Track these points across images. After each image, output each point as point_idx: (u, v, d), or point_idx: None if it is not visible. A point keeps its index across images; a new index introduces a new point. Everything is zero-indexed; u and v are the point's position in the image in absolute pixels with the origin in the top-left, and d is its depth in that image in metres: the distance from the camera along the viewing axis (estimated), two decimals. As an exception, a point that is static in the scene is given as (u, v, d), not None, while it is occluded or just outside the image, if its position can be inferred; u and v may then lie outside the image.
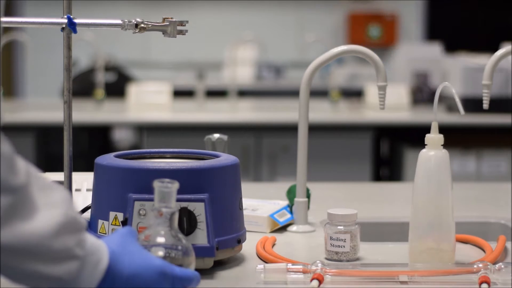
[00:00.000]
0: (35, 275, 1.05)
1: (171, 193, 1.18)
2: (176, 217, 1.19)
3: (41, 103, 5.21)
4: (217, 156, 1.46)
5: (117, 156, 1.43)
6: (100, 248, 1.10)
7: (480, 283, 1.28)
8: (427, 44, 6.03)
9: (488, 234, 1.80)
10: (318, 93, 4.81)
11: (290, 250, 1.56)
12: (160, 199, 1.18)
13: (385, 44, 6.87)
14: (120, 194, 1.34)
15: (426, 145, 1.42)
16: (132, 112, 4.40)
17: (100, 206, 1.38)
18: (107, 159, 1.40)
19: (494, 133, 4.29)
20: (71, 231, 1.07)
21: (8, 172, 1.01)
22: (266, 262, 1.42)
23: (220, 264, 1.39)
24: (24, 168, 1.04)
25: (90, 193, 1.50)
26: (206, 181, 1.35)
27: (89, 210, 1.44)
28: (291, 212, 1.73)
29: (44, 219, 1.04)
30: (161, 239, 1.17)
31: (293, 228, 1.71)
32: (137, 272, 1.12)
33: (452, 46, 5.63)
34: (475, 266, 1.31)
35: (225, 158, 1.43)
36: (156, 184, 1.17)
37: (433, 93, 4.33)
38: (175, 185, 1.18)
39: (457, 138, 4.19)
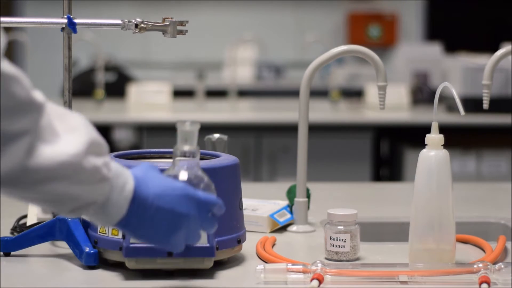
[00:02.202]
0: (70, 199, 1.07)
1: (193, 132, 1.21)
2: (198, 157, 1.22)
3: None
4: (217, 156, 1.46)
5: (117, 156, 1.44)
6: (124, 171, 1.13)
7: (480, 283, 1.28)
8: (427, 44, 6.03)
9: (488, 234, 1.80)
10: (318, 93, 4.81)
11: (290, 250, 1.56)
12: (182, 140, 1.19)
13: (385, 44, 6.87)
14: (120, 194, 1.34)
15: (426, 145, 1.42)
16: (132, 112, 4.40)
17: (100, 206, 1.38)
18: (107, 159, 1.40)
19: (494, 133, 4.28)
20: (97, 153, 1.09)
21: (32, 89, 1.03)
22: (266, 262, 1.42)
23: (220, 264, 1.39)
24: (41, 94, 1.06)
25: (90, 193, 1.49)
26: (206, 181, 1.35)
27: (89, 210, 1.44)
28: (291, 212, 1.73)
29: (70, 141, 1.06)
30: (183, 176, 1.21)
31: (293, 228, 1.71)
32: (161, 193, 1.14)
33: (452, 46, 5.63)
34: (475, 266, 1.31)
35: (225, 158, 1.43)
36: (179, 124, 1.20)
37: (433, 93, 4.33)
38: (197, 125, 1.21)
39: (457, 138, 4.19)
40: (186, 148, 1.21)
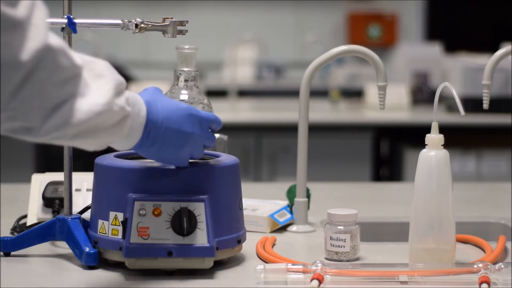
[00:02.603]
0: (102, 138, 1.18)
1: (192, 55, 1.33)
2: (197, 78, 1.35)
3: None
4: (217, 156, 1.46)
5: (117, 156, 1.44)
6: (137, 98, 1.24)
7: (480, 283, 1.28)
8: (427, 44, 6.03)
9: (488, 234, 1.80)
10: (318, 93, 4.81)
11: (290, 250, 1.56)
12: (181, 62, 1.29)
13: (385, 44, 6.87)
14: (120, 194, 1.34)
15: (426, 145, 1.42)
16: (132, 112, 4.39)
17: (100, 206, 1.38)
18: (107, 159, 1.40)
19: (494, 133, 4.29)
20: (120, 92, 1.19)
21: (72, 54, 1.12)
22: (266, 262, 1.42)
23: (220, 264, 1.39)
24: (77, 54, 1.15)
25: (90, 193, 1.50)
26: (206, 181, 1.35)
27: (89, 210, 1.44)
28: (291, 212, 1.73)
29: (100, 90, 1.15)
30: (184, 96, 1.35)
31: (293, 228, 1.71)
32: (169, 114, 1.27)
33: (452, 46, 5.63)
34: (475, 266, 1.31)
35: (225, 158, 1.43)
36: (178, 47, 1.32)
37: (433, 93, 4.33)
38: (196, 49, 1.34)
39: (457, 138, 4.19)
40: (186, 69, 1.30)
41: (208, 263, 1.34)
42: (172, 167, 1.35)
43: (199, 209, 1.32)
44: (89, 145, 1.20)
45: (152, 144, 1.27)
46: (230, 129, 4.13)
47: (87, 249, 1.37)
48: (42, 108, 1.09)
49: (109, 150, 1.31)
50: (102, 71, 1.18)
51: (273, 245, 1.57)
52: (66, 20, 1.42)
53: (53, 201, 1.63)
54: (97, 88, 1.15)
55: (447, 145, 1.42)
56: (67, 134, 1.13)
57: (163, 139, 1.27)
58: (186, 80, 1.38)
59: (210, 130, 1.35)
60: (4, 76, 1.04)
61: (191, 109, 1.30)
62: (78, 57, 1.14)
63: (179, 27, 1.43)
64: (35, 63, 1.05)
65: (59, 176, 1.66)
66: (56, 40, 1.09)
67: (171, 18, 1.43)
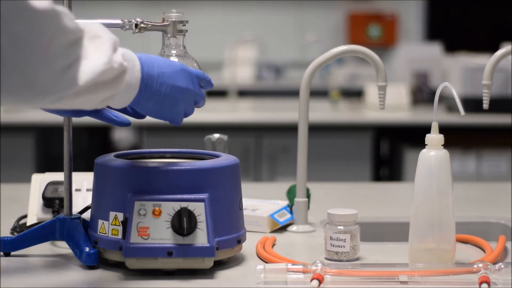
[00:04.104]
0: (102, 94, 1.20)
1: (180, 16, 1.41)
2: (184, 37, 1.43)
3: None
4: (217, 156, 1.46)
5: (117, 156, 1.44)
6: (130, 53, 1.27)
7: (480, 283, 1.28)
8: (427, 44, 6.03)
9: (488, 234, 1.80)
10: (318, 93, 4.81)
11: (290, 250, 1.56)
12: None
13: (385, 44, 6.87)
14: (120, 194, 1.34)
15: (426, 145, 1.42)
16: (132, 112, 4.39)
17: (100, 206, 1.38)
18: (107, 159, 1.41)
19: (494, 133, 4.29)
20: (116, 49, 1.22)
21: (74, 18, 1.16)
22: (266, 262, 1.42)
23: (220, 264, 1.39)
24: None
25: (90, 193, 1.50)
26: (206, 181, 1.35)
27: (89, 210, 1.44)
28: (291, 212, 1.73)
29: (99, 51, 1.18)
30: (175, 57, 1.42)
31: (293, 228, 1.71)
32: (163, 70, 1.30)
33: (452, 46, 5.63)
34: (475, 266, 1.31)
35: (225, 158, 1.43)
36: (165, 12, 1.42)
37: (433, 93, 4.33)
38: (183, 14, 1.43)
39: (457, 138, 4.19)
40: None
41: (208, 263, 1.34)
42: (172, 167, 1.35)
43: (199, 209, 1.32)
44: (89, 103, 1.22)
45: (149, 99, 1.30)
46: (230, 129, 4.13)
47: (86, 249, 1.37)
48: (51, 70, 1.11)
49: (109, 150, 1.31)
50: (98, 32, 1.21)
51: (273, 245, 1.57)
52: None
53: (53, 201, 1.63)
54: (95, 48, 1.18)
55: (447, 145, 1.42)
56: (70, 94, 1.16)
57: (159, 93, 1.30)
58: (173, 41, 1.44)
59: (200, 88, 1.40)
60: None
61: (183, 65, 1.35)
62: (77, 21, 1.18)
63: (179, 27, 1.43)
64: (45, 21, 1.09)
65: (59, 176, 1.66)
66: (59, 6, 1.13)
67: (171, 18, 1.44)
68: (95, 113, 1.43)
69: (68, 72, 1.13)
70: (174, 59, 1.41)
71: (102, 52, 1.19)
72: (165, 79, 1.31)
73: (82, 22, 1.20)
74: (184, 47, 1.43)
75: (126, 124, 1.47)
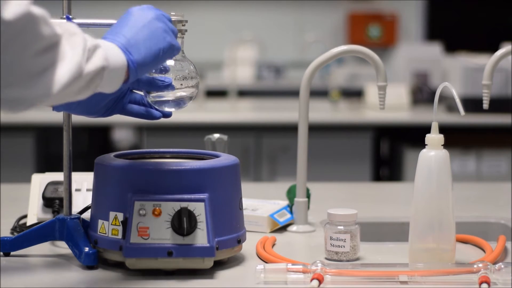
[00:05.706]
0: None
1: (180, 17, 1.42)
2: (182, 39, 1.42)
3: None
4: (217, 156, 1.46)
5: (117, 156, 1.44)
6: (112, 51, 1.23)
7: (480, 283, 1.28)
8: (427, 44, 6.03)
9: (488, 234, 1.80)
10: (318, 93, 4.81)
11: (290, 250, 1.56)
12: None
13: (385, 44, 6.87)
14: (120, 194, 1.34)
15: (426, 145, 1.42)
16: (132, 112, 4.39)
17: (100, 206, 1.38)
18: (107, 159, 1.40)
19: (494, 133, 4.29)
20: (93, 52, 1.19)
21: (52, 23, 1.13)
22: (266, 262, 1.42)
23: (220, 264, 1.39)
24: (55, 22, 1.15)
25: (90, 193, 1.50)
26: (206, 181, 1.35)
27: (89, 210, 1.44)
28: (291, 212, 1.73)
29: (73, 51, 1.15)
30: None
31: (293, 228, 1.71)
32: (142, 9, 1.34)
33: (452, 46, 5.63)
34: (475, 266, 1.31)
35: (225, 158, 1.43)
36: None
37: (433, 93, 4.33)
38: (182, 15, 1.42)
39: (457, 138, 4.19)
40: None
41: (208, 263, 1.34)
42: (172, 167, 1.35)
43: (199, 209, 1.32)
44: (73, 97, 1.20)
45: (135, 33, 1.29)
46: (230, 129, 4.13)
47: (86, 249, 1.37)
48: (22, 77, 1.09)
49: (109, 150, 1.31)
50: (71, 29, 1.18)
51: (273, 245, 1.57)
52: (65, 20, 1.42)
53: (53, 201, 1.63)
54: (71, 49, 1.15)
55: (447, 145, 1.42)
56: (48, 102, 1.15)
57: (143, 29, 1.30)
58: None
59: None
60: None
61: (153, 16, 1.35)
62: (56, 26, 1.15)
63: (179, 27, 1.43)
64: (17, 28, 1.06)
65: (59, 176, 1.66)
66: (38, 9, 1.10)
67: (172, 13, 1.44)
68: (121, 110, 1.44)
69: (40, 79, 1.11)
70: (170, 61, 1.39)
71: (75, 52, 1.16)
72: (144, 17, 1.32)
73: (59, 23, 1.17)
74: (183, 51, 1.42)
75: (158, 117, 1.45)
